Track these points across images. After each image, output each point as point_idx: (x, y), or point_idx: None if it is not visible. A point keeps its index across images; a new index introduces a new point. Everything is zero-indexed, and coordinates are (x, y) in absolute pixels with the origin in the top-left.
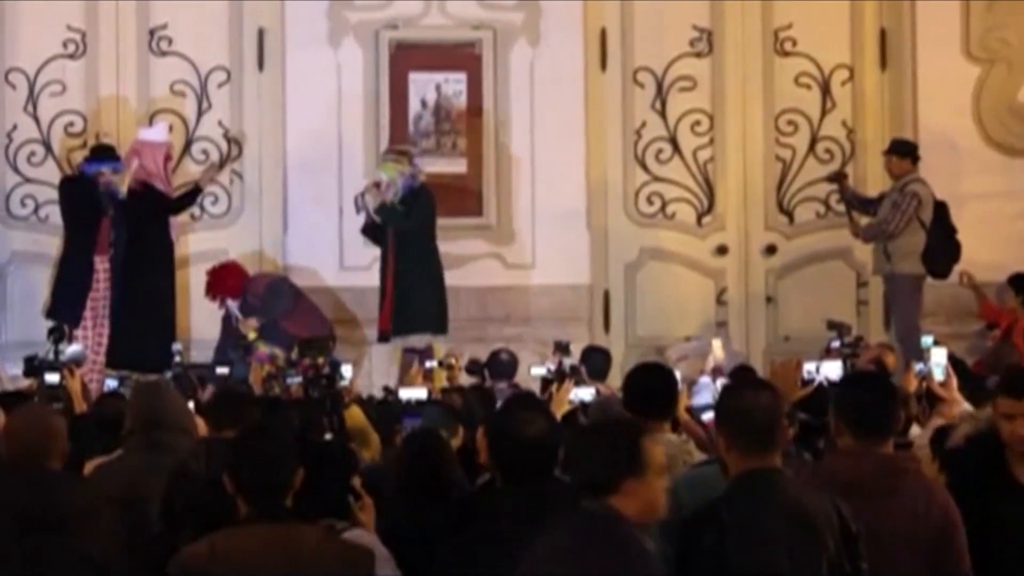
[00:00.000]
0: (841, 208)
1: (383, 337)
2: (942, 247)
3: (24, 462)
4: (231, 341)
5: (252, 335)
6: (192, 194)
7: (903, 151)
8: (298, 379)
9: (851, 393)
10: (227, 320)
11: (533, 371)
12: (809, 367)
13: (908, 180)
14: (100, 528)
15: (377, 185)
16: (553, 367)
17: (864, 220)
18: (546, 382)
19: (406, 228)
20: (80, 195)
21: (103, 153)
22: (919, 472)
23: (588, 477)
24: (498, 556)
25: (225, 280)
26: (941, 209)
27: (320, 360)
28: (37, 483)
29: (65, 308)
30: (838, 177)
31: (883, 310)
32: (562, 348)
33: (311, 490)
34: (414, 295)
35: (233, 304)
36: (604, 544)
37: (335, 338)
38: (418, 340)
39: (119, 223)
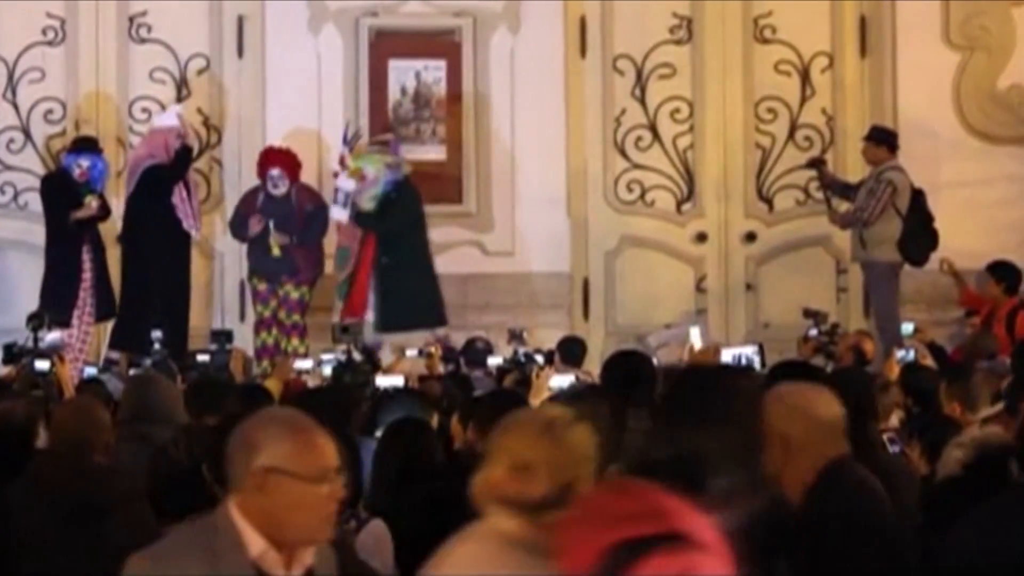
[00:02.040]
0: (821, 195)
1: (344, 329)
2: (919, 235)
3: (68, 452)
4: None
5: (276, 252)
6: (185, 153)
7: (879, 138)
8: (331, 363)
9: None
10: (252, 195)
11: (489, 361)
12: (731, 353)
13: (885, 168)
14: (133, 519)
15: (339, 190)
16: (509, 355)
17: (843, 206)
18: (501, 371)
19: (387, 229)
20: (61, 190)
21: (84, 145)
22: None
23: None
24: None
25: (288, 156)
26: (918, 197)
27: (353, 346)
28: (79, 473)
29: (56, 306)
30: (817, 163)
31: (863, 297)
32: (516, 336)
33: None
34: (404, 290)
35: (278, 175)
36: None
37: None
38: (417, 336)
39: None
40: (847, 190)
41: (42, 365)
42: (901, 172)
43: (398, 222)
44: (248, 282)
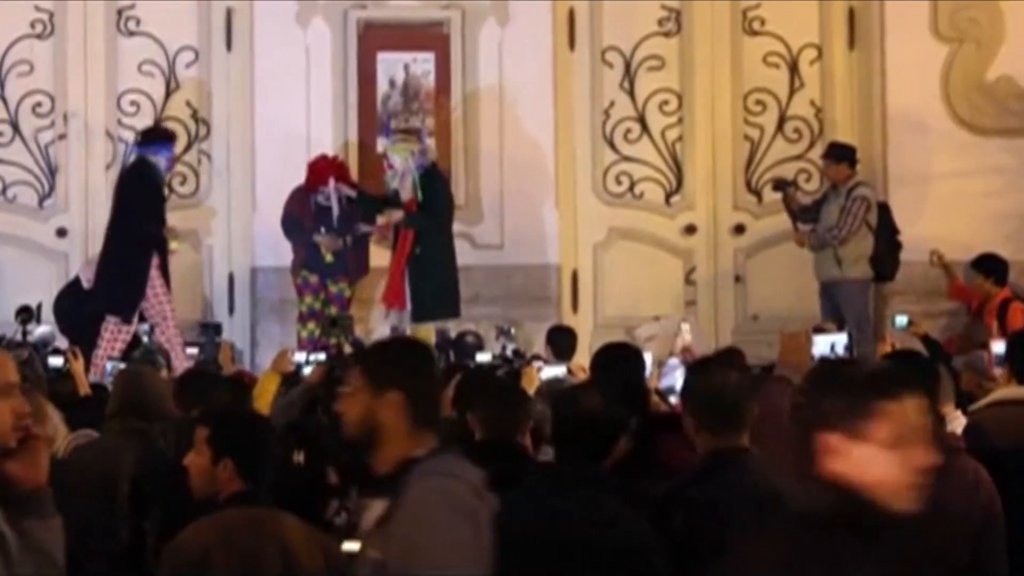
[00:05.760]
0: (809, 188)
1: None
2: (887, 250)
3: None
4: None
5: (329, 258)
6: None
7: (839, 155)
8: (322, 356)
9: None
10: (303, 196)
11: (478, 357)
12: (818, 339)
13: (853, 184)
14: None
15: (396, 205)
16: (496, 352)
17: (805, 227)
18: (491, 367)
19: (426, 225)
20: (148, 178)
21: (155, 136)
22: (963, 451)
23: None
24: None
25: (341, 168)
26: (884, 211)
27: (343, 339)
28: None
29: (126, 303)
30: (783, 186)
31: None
32: (505, 333)
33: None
34: (430, 282)
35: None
36: None
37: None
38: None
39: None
40: (808, 213)
41: (56, 361)
42: (870, 187)
43: (436, 216)
44: (296, 275)
